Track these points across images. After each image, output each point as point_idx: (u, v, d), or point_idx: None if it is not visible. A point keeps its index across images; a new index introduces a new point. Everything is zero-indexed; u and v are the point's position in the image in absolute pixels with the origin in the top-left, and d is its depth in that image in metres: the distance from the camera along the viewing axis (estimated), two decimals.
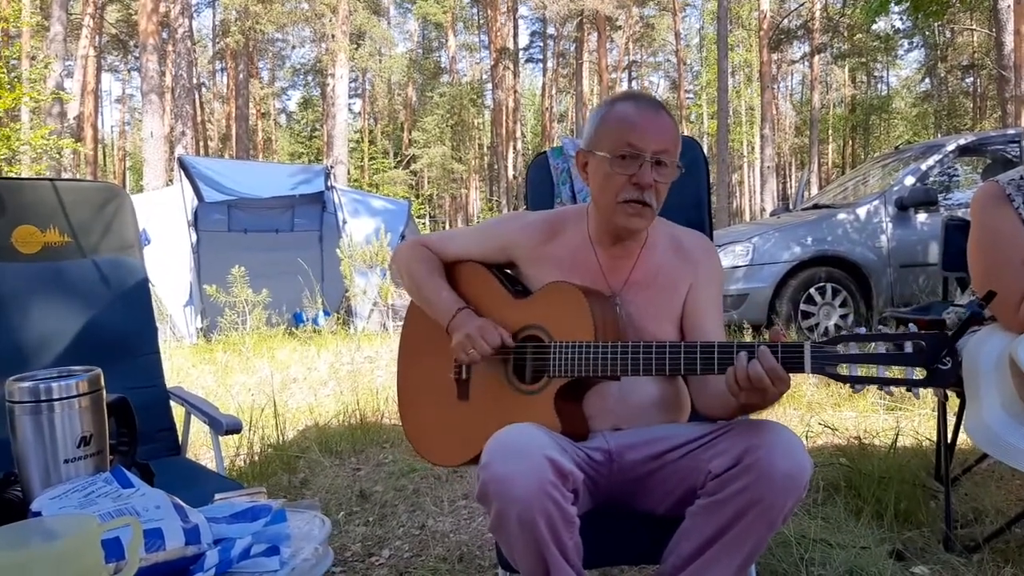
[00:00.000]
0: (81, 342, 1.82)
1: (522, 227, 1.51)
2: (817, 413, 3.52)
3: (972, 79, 28.59)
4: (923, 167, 5.70)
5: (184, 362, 5.42)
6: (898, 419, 3.30)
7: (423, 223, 29.60)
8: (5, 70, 11.00)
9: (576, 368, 1.31)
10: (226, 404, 3.87)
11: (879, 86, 36.66)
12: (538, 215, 1.55)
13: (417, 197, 31.11)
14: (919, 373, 1.11)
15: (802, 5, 23.23)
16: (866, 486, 2.33)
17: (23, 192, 1.87)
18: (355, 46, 25.45)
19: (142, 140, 15.16)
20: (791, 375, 1.18)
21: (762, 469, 1.17)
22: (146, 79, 13.85)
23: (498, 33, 30.47)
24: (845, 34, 24.49)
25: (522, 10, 32.93)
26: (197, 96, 25.97)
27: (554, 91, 35.18)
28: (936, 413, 2.35)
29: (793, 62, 30.01)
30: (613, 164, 1.34)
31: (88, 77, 21.59)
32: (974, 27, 21.17)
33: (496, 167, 34.70)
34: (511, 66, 31.27)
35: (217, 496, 1.18)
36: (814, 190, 19.37)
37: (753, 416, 1.38)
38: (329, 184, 7.73)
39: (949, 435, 2.18)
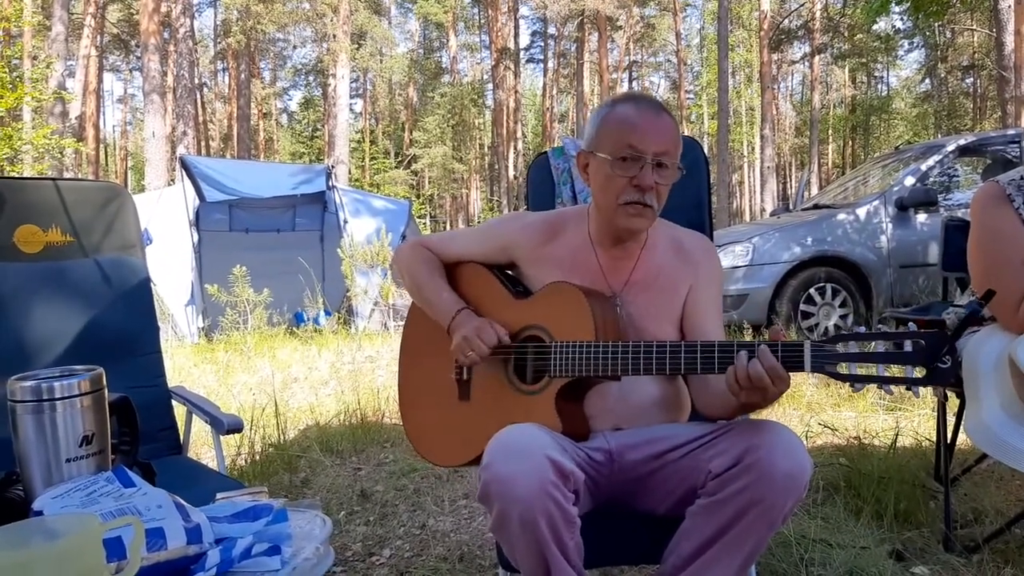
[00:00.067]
0: (83, 341, 1.82)
1: (523, 228, 1.51)
2: (817, 413, 3.52)
3: (972, 79, 28.58)
4: (923, 167, 5.70)
5: (186, 361, 5.43)
6: (898, 419, 3.30)
7: (424, 223, 29.61)
8: (7, 70, 11.00)
9: (577, 368, 1.31)
10: (227, 403, 3.87)
11: (879, 86, 36.66)
12: (538, 216, 1.55)
13: (418, 197, 31.11)
14: (919, 372, 1.11)
15: (802, 5, 23.22)
16: (866, 486, 2.34)
17: (25, 192, 1.87)
18: (356, 46, 25.46)
19: (144, 140, 15.17)
20: (791, 374, 1.18)
21: (762, 469, 1.17)
22: (148, 79, 13.86)
23: (499, 33, 30.48)
24: (845, 34, 24.49)
25: (523, 10, 33.00)
26: (199, 96, 25.98)
27: (555, 91, 35.18)
28: (936, 413, 2.35)
29: (793, 62, 30.01)
30: (614, 166, 1.34)
31: (90, 77, 21.61)
32: (974, 27, 21.16)
33: (497, 167, 34.71)
34: (512, 66, 31.29)
35: (218, 495, 1.18)
36: (814, 190, 19.37)
37: (753, 416, 1.38)
38: (330, 184, 7.74)
39: (949, 435, 2.18)
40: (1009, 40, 9.51)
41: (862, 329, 1.15)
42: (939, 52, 28.04)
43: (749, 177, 33.54)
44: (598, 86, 31.46)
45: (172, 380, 2.00)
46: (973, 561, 1.91)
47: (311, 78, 36.29)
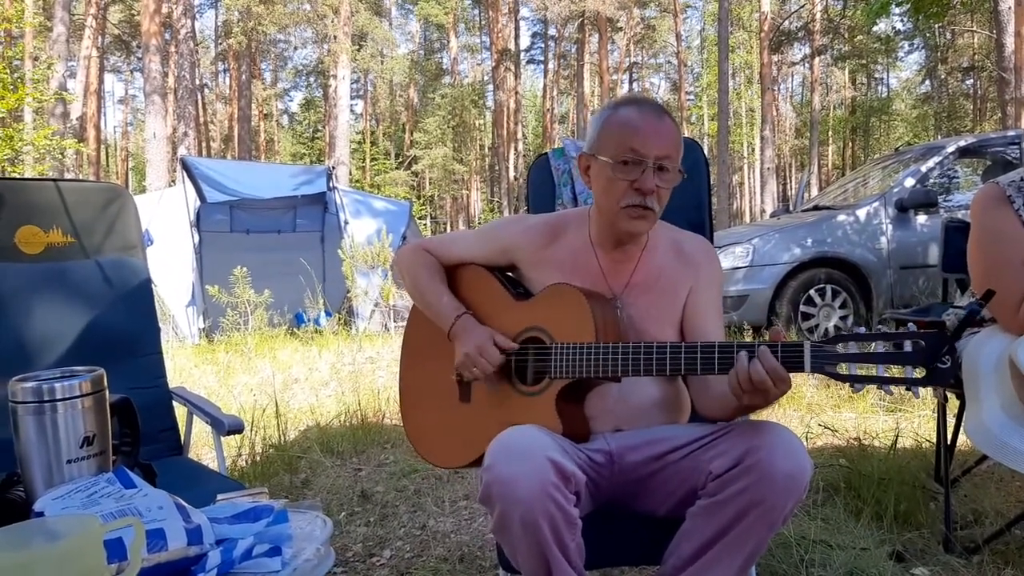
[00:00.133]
0: (84, 342, 1.83)
1: (523, 230, 1.51)
2: (817, 414, 3.52)
3: (972, 81, 28.59)
4: (923, 169, 5.71)
5: (186, 362, 5.43)
6: (898, 420, 3.30)
7: (424, 224, 29.64)
8: (8, 71, 11.01)
9: (577, 369, 1.31)
10: (228, 404, 3.87)
11: (879, 88, 36.66)
12: (539, 218, 1.55)
13: (418, 198, 31.14)
14: (918, 373, 1.12)
15: (803, 7, 23.23)
16: (866, 487, 2.34)
17: (26, 192, 1.87)
18: (357, 47, 25.48)
19: (145, 141, 15.17)
20: (791, 375, 1.18)
21: (763, 470, 1.17)
22: (149, 80, 13.86)
23: (499, 34, 30.49)
24: (846, 36, 24.48)
25: (523, 11, 33.00)
26: (200, 97, 26.02)
27: (555, 92, 35.20)
28: (936, 414, 2.35)
29: (793, 64, 30.02)
30: (615, 169, 1.35)
31: (91, 78, 21.63)
32: (975, 29, 21.16)
33: (497, 168, 34.71)
34: (512, 67, 31.31)
35: (219, 496, 1.18)
36: (814, 191, 19.37)
37: (753, 417, 1.38)
38: (331, 185, 7.74)
39: (949, 437, 2.18)
40: (1009, 42, 9.51)
41: (862, 330, 1.15)
42: (939, 54, 28.04)
43: (749, 178, 33.54)
44: (598, 87, 31.49)
45: (173, 381, 2.01)
46: (973, 562, 1.91)
47: (312, 79, 36.33)
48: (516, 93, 31.77)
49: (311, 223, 7.99)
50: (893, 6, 9.39)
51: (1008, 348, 1.62)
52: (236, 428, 1.69)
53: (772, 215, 8.22)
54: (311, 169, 8.69)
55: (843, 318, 5.43)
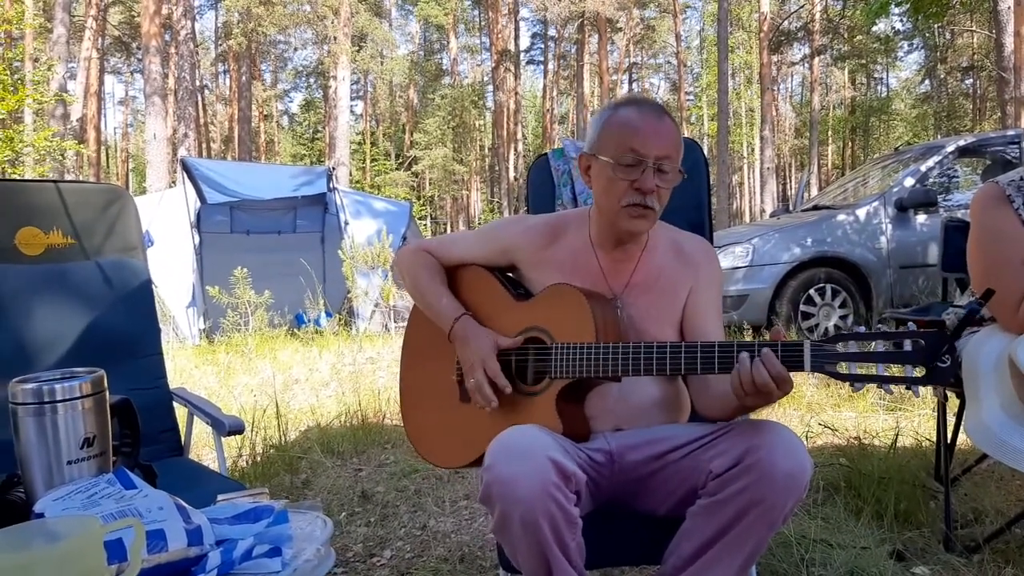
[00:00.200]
0: (84, 343, 1.83)
1: (524, 231, 1.51)
2: (817, 413, 3.52)
3: (972, 80, 28.58)
4: (923, 168, 5.71)
5: (187, 363, 5.43)
6: (898, 419, 3.30)
7: (424, 224, 29.63)
8: (8, 72, 11.02)
9: (577, 369, 1.31)
10: (228, 405, 3.87)
11: (879, 88, 36.66)
12: (539, 219, 1.55)
13: (418, 199, 31.15)
14: (918, 372, 1.12)
15: (802, 7, 23.23)
16: (866, 486, 2.34)
17: (27, 194, 1.88)
18: (357, 48, 25.49)
19: (145, 142, 15.19)
20: (791, 374, 1.18)
21: (763, 469, 1.18)
22: (149, 81, 13.87)
23: (499, 35, 30.50)
24: (845, 36, 24.49)
25: (523, 12, 33.01)
26: (200, 98, 26.03)
27: (555, 93, 35.20)
28: (936, 413, 2.35)
29: (793, 64, 30.01)
30: (616, 169, 1.35)
31: (91, 79, 21.63)
32: (974, 28, 21.16)
33: (497, 169, 34.72)
34: (512, 68, 31.31)
35: (219, 497, 1.18)
36: (814, 191, 19.37)
37: (753, 416, 1.38)
38: (331, 186, 7.75)
39: (949, 435, 2.18)
40: (1009, 41, 9.51)
41: (862, 329, 1.15)
42: (939, 53, 28.04)
43: (749, 178, 33.54)
44: (598, 88, 31.49)
45: (173, 382, 2.01)
46: (974, 561, 1.91)
47: (312, 80, 36.34)
48: (516, 94, 31.78)
49: (311, 224, 7.99)
50: (892, 6, 9.39)
51: (1008, 347, 1.62)
52: (236, 429, 1.69)
53: (772, 215, 8.23)
54: (311, 170, 8.70)
55: (843, 317, 5.44)
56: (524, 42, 35.38)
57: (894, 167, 6.25)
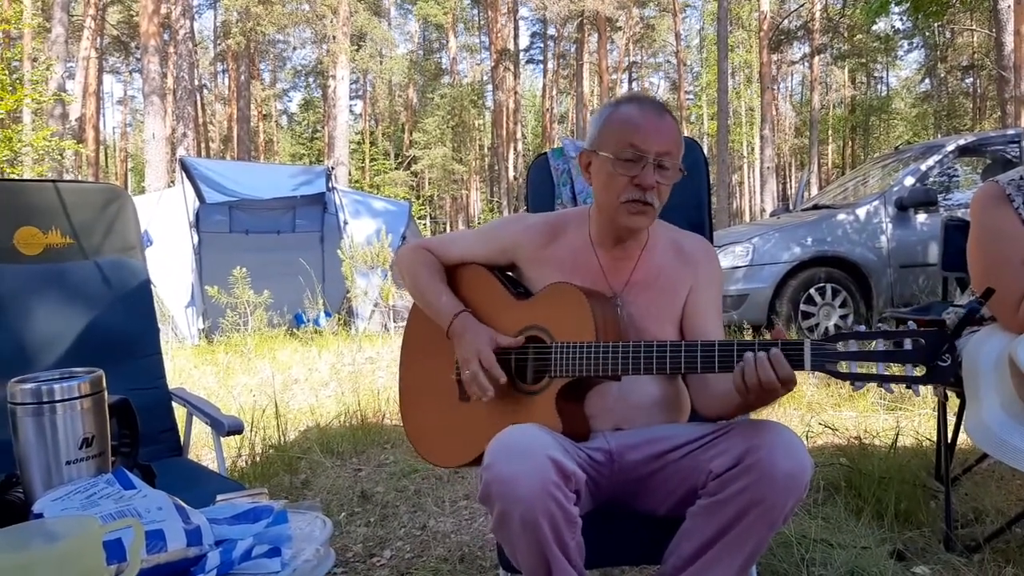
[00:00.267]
0: (83, 343, 1.82)
1: (523, 229, 1.51)
2: (817, 413, 3.52)
3: (972, 79, 28.59)
4: (923, 167, 5.71)
5: (186, 363, 5.43)
6: (898, 419, 3.30)
7: (424, 224, 29.63)
8: (7, 72, 11.01)
9: (577, 368, 1.31)
10: (228, 405, 3.87)
11: (879, 87, 36.67)
12: (539, 217, 1.55)
13: (418, 198, 31.14)
14: (919, 371, 1.11)
15: (802, 6, 23.23)
16: (866, 486, 2.33)
17: (25, 194, 1.87)
18: (356, 47, 25.48)
19: (144, 142, 15.18)
20: None
21: (763, 469, 1.17)
22: (147, 81, 13.87)
23: (499, 34, 30.49)
24: (845, 35, 24.49)
25: (523, 11, 33.00)
26: (199, 98, 26.01)
27: (554, 92, 35.21)
28: (936, 413, 2.35)
29: (793, 63, 30.01)
30: (616, 165, 1.35)
31: (90, 79, 21.63)
32: (974, 27, 21.16)
33: (497, 168, 34.73)
34: (512, 67, 31.31)
35: (219, 497, 1.18)
36: (814, 191, 19.37)
37: (753, 416, 1.38)
38: (330, 185, 7.74)
39: (949, 435, 2.18)
40: (1009, 40, 9.52)
41: (862, 328, 1.15)
42: (939, 52, 28.06)
43: (749, 177, 33.56)
44: (598, 87, 31.49)
45: (172, 382, 2.00)
46: (974, 561, 1.91)
47: (311, 79, 36.34)
48: (515, 93, 31.78)
49: (310, 223, 7.98)
50: (892, 5, 9.40)
51: (1008, 346, 1.62)
52: (236, 429, 1.69)
53: (772, 214, 8.23)
54: (310, 169, 8.69)
55: (843, 317, 5.44)
56: (523, 41, 35.43)
57: (894, 166, 6.25)
